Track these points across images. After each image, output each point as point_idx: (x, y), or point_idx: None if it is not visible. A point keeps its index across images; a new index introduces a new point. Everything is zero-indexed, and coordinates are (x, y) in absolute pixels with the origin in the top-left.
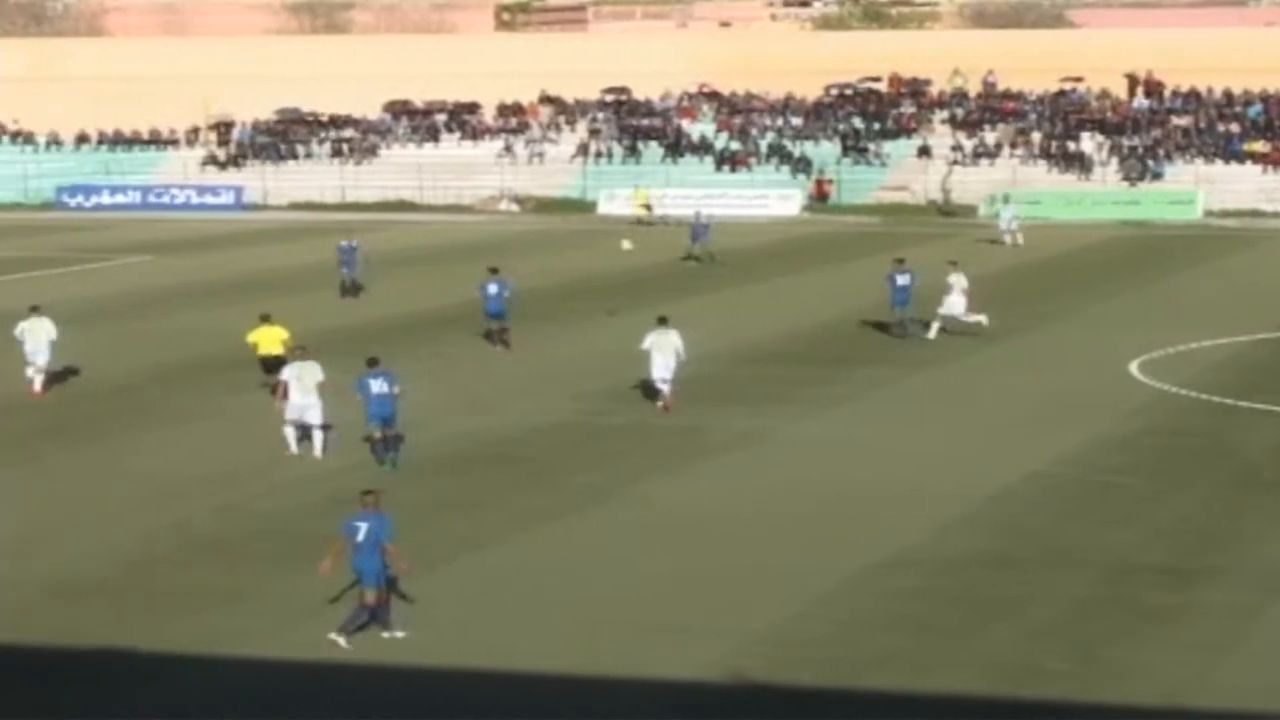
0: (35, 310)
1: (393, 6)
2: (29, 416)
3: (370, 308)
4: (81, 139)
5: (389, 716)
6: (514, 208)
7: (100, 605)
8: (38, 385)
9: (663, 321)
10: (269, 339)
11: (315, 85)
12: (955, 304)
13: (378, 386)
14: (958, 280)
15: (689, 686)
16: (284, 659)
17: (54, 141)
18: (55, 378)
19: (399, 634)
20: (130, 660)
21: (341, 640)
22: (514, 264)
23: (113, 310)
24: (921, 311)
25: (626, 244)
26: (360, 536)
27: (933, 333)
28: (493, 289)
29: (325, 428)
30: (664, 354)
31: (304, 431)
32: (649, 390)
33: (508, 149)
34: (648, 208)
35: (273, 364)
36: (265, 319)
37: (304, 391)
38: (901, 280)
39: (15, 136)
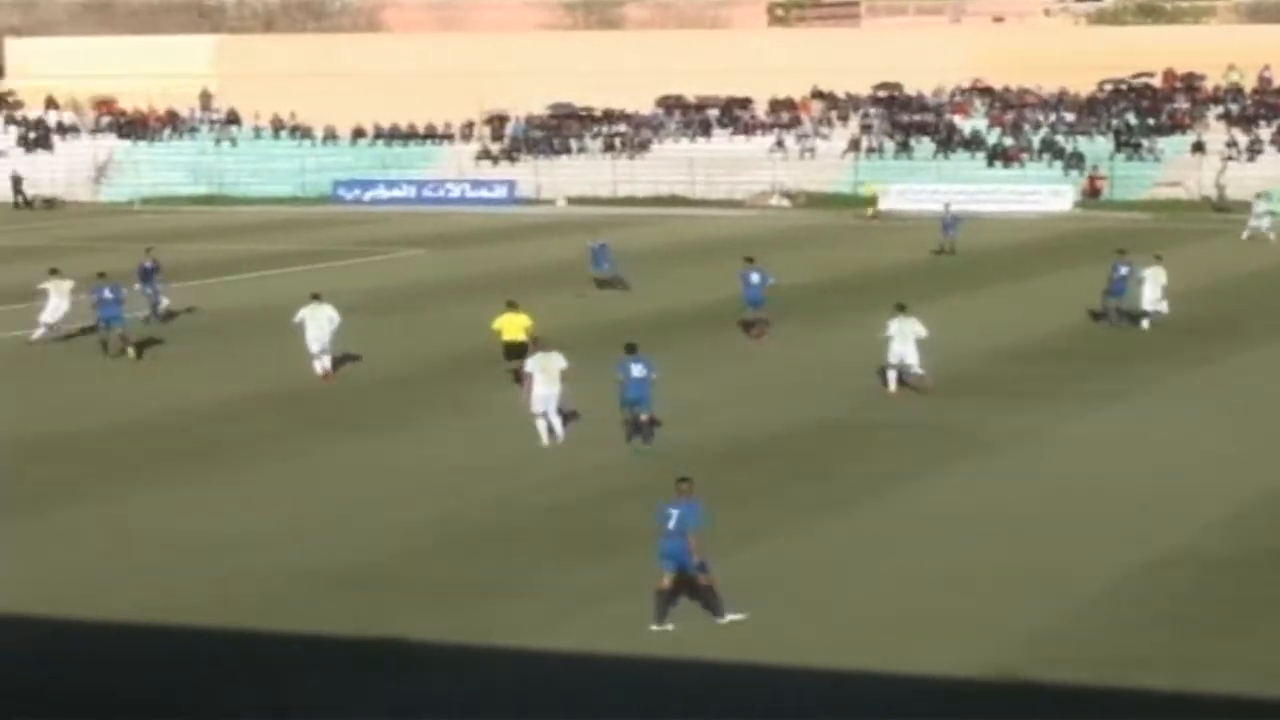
0: (316, 298)
1: (667, 3)
2: (304, 408)
3: (640, 301)
4: (358, 134)
5: (658, 710)
6: (785, 203)
7: (371, 596)
8: (320, 369)
9: (901, 308)
10: (513, 326)
11: (588, 80)
12: (1147, 296)
13: (636, 370)
14: (1154, 274)
15: (956, 683)
16: (554, 650)
17: (331, 136)
18: (347, 373)
19: (737, 616)
20: (400, 651)
21: (669, 626)
22: (783, 259)
23: (386, 303)
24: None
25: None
26: (671, 524)
27: (1145, 324)
28: (754, 278)
29: (566, 415)
30: (904, 340)
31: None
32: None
33: (779, 144)
34: (874, 202)
35: (515, 350)
36: (511, 305)
37: (549, 382)
38: (1123, 270)
39: (293, 131)
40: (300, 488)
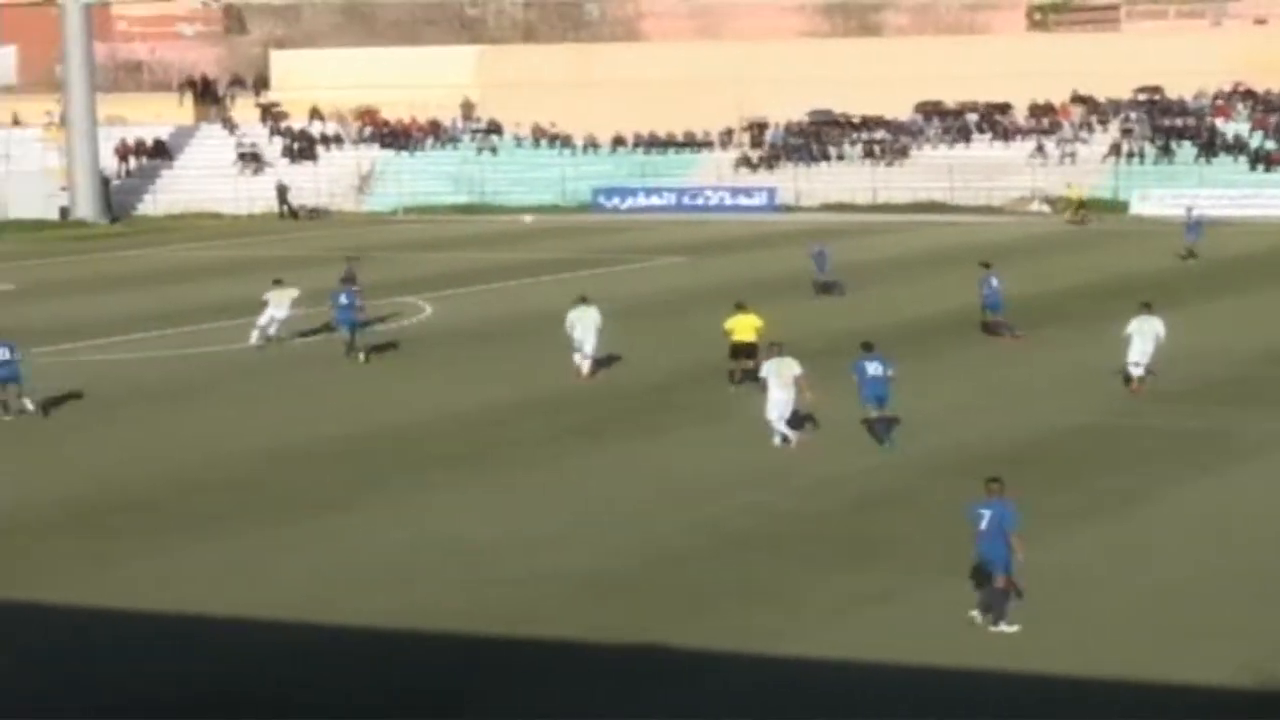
0: (584, 300)
1: (926, 7)
2: (566, 413)
3: (895, 307)
4: (618, 142)
5: (920, 716)
6: (1045, 208)
7: (631, 601)
8: (585, 370)
9: (1146, 307)
10: (743, 326)
11: (847, 86)
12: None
13: (873, 369)
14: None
15: (1219, 691)
16: (811, 657)
17: (591, 145)
18: (598, 376)
19: (1008, 629)
20: (661, 656)
21: (1006, 627)
22: (1039, 264)
23: (649, 310)
24: None
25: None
26: (983, 524)
27: None
28: (994, 282)
29: (799, 418)
30: (1144, 339)
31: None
32: (1172, 392)
33: (1039, 149)
34: (1081, 206)
35: (744, 350)
36: (740, 307)
37: (782, 386)
38: None
39: (554, 140)
40: (562, 493)
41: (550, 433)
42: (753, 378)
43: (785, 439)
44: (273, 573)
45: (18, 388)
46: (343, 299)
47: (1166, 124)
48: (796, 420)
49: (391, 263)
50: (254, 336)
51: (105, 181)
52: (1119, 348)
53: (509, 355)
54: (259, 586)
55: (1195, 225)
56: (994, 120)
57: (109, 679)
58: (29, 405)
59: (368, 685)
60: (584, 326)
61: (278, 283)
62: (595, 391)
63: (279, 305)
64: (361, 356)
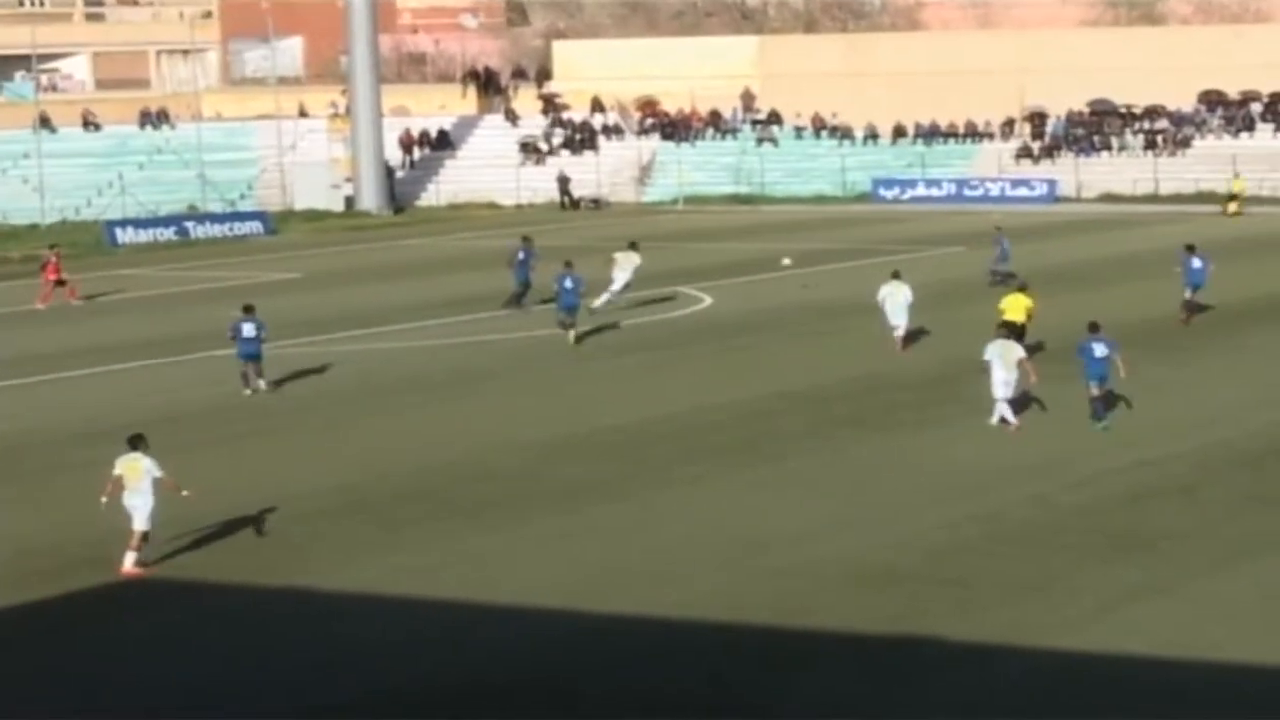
0: (896, 276)
1: None
2: (837, 404)
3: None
4: (898, 132)
5: (1182, 711)
6: None
7: (902, 593)
8: (899, 344)
9: None
10: (1014, 306)
11: (1128, 76)
12: None
13: (1099, 350)
14: None
15: None
16: (1087, 651)
17: (871, 135)
18: (857, 370)
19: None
20: (933, 649)
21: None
22: None
23: (927, 300)
24: None
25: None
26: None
27: None
28: (1196, 263)
29: (1015, 400)
30: None
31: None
32: None
33: None
34: (1234, 198)
35: (1010, 329)
36: (1021, 288)
37: (1006, 368)
38: None
39: (833, 131)
40: (833, 484)
41: (822, 424)
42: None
43: (1004, 420)
44: (550, 562)
45: (258, 365)
46: (568, 283)
47: None
48: (1021, 403)
49: (671, 252)
50: (601, 299)
51: (389, 172)
52: None
53: (782, 345)
54: (536, 576)
55: None
56: (1278, 110)
57: (388, 665)
58: (263, 385)
59: (643, 675)
60: (894, 302)
61: (632, 246)
62: (866, 382)
63: (623, 269)
64: (571, 336)
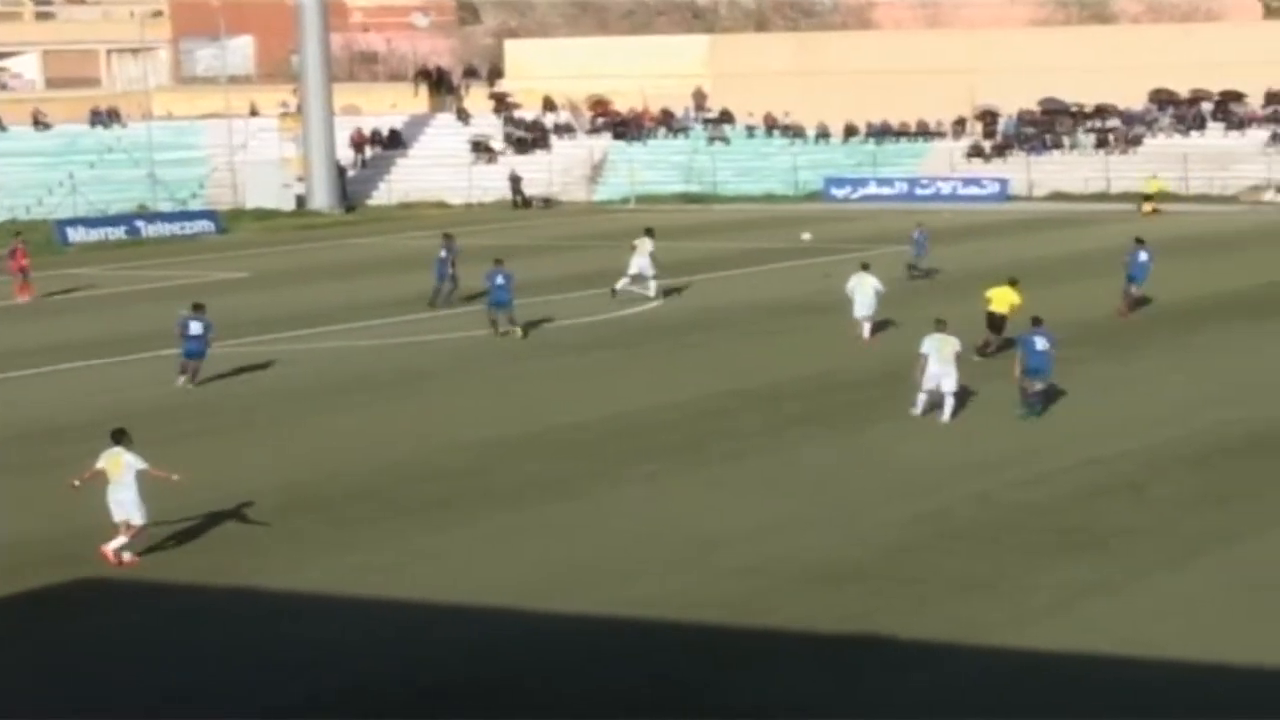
0: (864, 268)
1: None
2: (789, 403)
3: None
4: (850, 131)
5: (1133, 709)
6: (1279, 198)
7: (855, 591)
8: (866, 333)
9: None
10: (1001, 298)
11: (1079, 75)
12: None
13: (1040, 344)
14: None
15: None
16: (1039, 649)
17: (823, 134)
18: (810, 368)
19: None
20: (886, 647)
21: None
22: (1272, 255)
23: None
24: None
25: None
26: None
27: None
28: (1143, 256)
29: (956, 394)
30: None
31: (938, 399)
32: None
33: (1274, 138)
34: (1149, 198)
35: (995, 321)
36: (1012, 282)
37: (942, 361)
38: None
39: (785, 129)
40: (785, 483)
41: (774, 422)
42: (1001, 348)
43: (939, 409)
44: (503, 561)
45: (198, 364)
46: (500, 279)
47: None
48: (963, 399)
49: (622, 251)
50: (621, 283)
51: (341, 171)
52: None
53: (734, 344)
54: (489, 575)
55: None
56: (1228, 109)
57: (335, 667)
58: (185, 382)
59: (596, 675)
60: (863, 294)
61: (648, 232)
62: (819, 380)
63: (641, 254)
64: (518, 331)
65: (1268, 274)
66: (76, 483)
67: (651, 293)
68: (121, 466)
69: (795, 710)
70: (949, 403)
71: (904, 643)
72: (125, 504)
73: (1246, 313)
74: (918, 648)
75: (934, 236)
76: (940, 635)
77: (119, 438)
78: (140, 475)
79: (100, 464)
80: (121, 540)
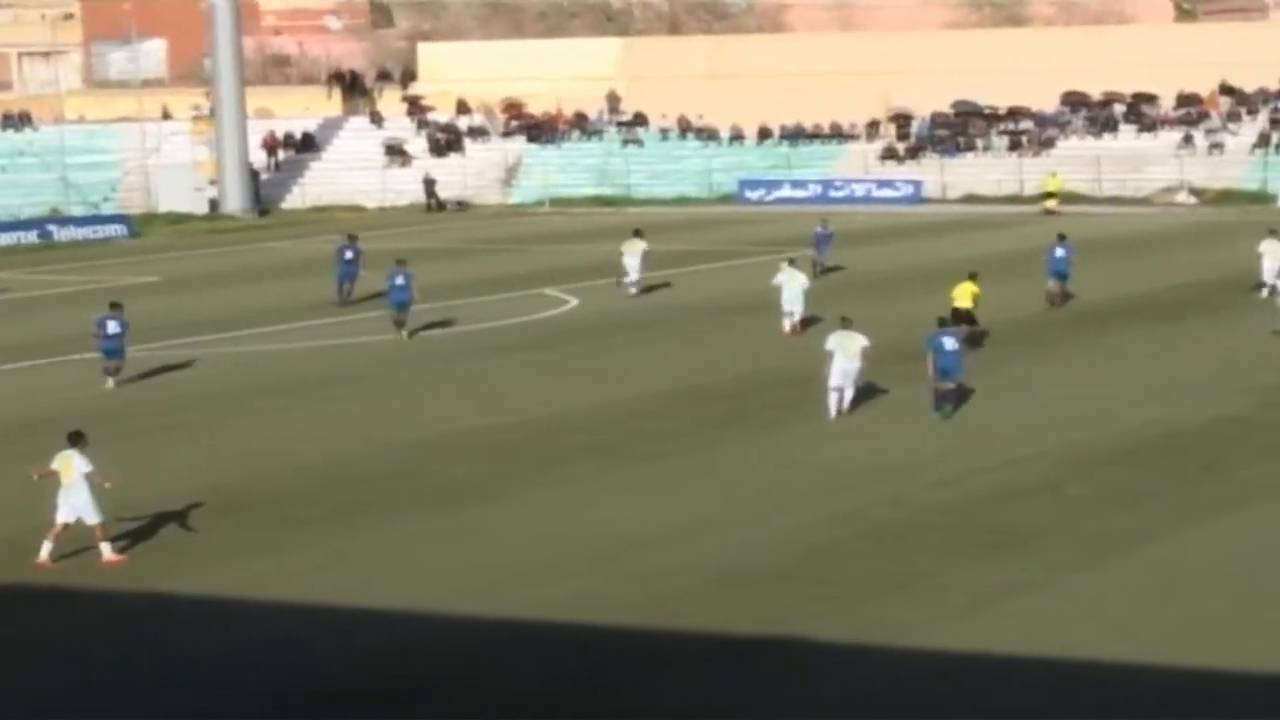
0: (791, 263)
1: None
2: (709, 405)
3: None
4: (764, 134)
5: (1048, 711)
6: (1191, 200)
7: (771, 593)
8: (787, 327)
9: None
10: (963, 293)
11: (992, 77)
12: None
13: (949, 344)
14: (1270, 248)
15: None
16: (956, 651)
17: (737, 137)
18: (726, 370)
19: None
20: (802, 649)
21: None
22: (1185, 256)
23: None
24: None
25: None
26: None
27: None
28: (1060, 252)
29: (859, 390)
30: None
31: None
32: None
33: (1187, 140)
34: (1050, 195)
35: (961, 316)
36: (972, 276)
37: (847, 358)
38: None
39: (699, 132)
40: (705, 484)
41: (694, 424)
42: (975, 344)
43: (840, 409)
44: (425, 564)
45: (119, 363)
46: (399, 279)
47: None
48: (863, 395)
49: (536, 254)
50: (620, 283)
51: (254, 174)
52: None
53: (650, 346)
54: (408, 578)
55: None
56: (1140, 111)
57: (260, 670)
58: (111, 384)
59: (512, 677)
60: (791, 289)
61: (637, 233)
62: (736, 382)
63: (632, 254)
64: (404, 334)
65: (1180, 276)
66: (36, 476)
67: (633, 291)
68: (72, 468)
69: (709, 712)
70: (848, 394)
71: (819, 644)
72: (78, 506)
73: (1160, 314)
74: (833, 650)
75: (842, 236)
76: (856, 637)
77: (75, 440)
78: (89, 478)
79: (54, 465)
80: (107, 546)
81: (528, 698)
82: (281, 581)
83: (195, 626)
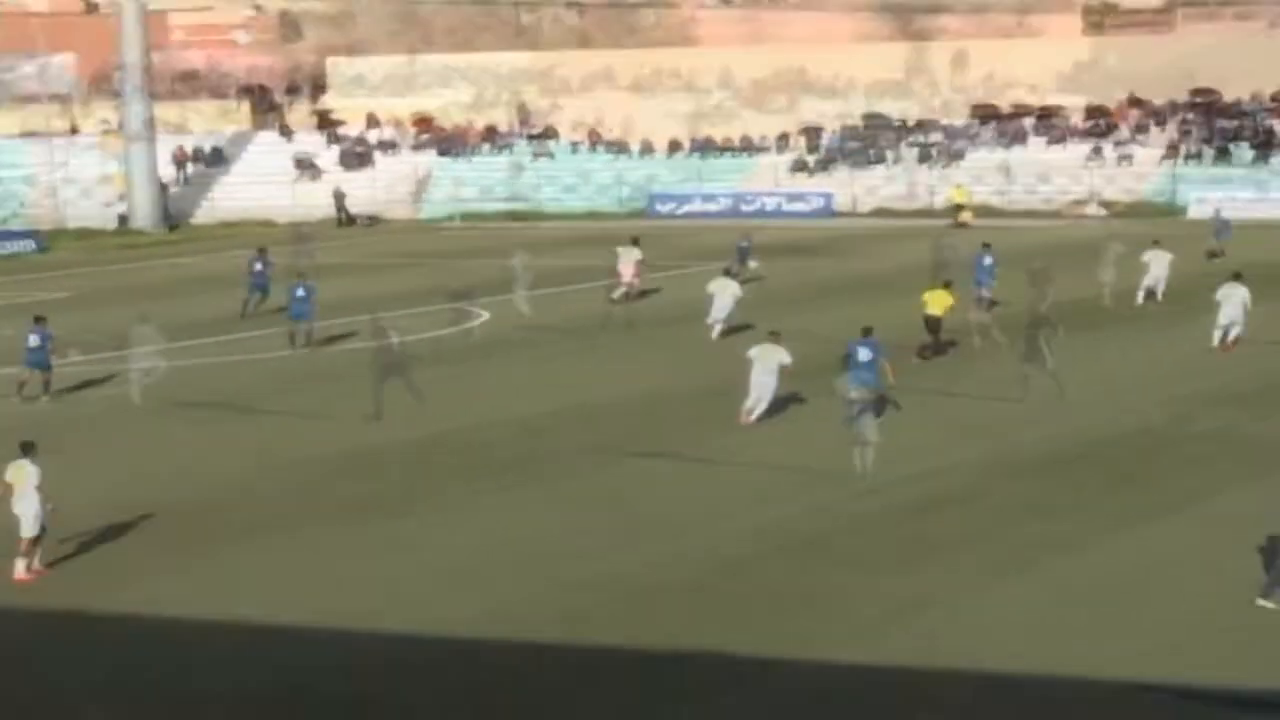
0: (727, 273)
1: (980, 10)
2: (623, 419)
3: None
4: (673, 146)
5: None
6: (1101, 211)
7: (689, 606)
8: (715, 334)
9: (1237, 277)
10: (936, 300)
11: (901, 89)
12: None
13: (863, 354)
14: (1153, 257)
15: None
16: (872, 664)
17: (647, 150)
18: (641, 384)
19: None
20: (718, 662)
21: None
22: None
23: (696, 316)
24: None
25: None
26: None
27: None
28: (987, 260)
29: (772, 402)
30: (1232, 305)
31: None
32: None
33: (1096, 152)
34: (961, 208)
35: (931, 324)
36: (946, 285)
37: (765, 371)
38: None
39: (609, 145)
40: (620, 498)
41: (608, 438)
42: (939, 352)
43: (749, 418)
44: (331, 581)
45: (46, 375)
46: (300, 292)
47: (1223, 126)
48: (778, 406)
49: (447, 269)
50: (616, 293)
51: (163, 189)
52: (1181, 351)
53: (562, 361)
54: (312, 596)
55: (1223, 226)
56: (1049, 123)
57: (168, 688)
58: (45, 398)
59: (420, 693)
60: (722, 300)
61: (634, 241)
62: (651, 396)
63: (626, 262)
64: (302, 347)
65: (1093, 287)
66: None
67: (615, 295)
68: (24, 479)
69: None
70: (762, 405)
71: (732, 657)
72: (26, 516)
73: (1073, 325)
74: (746, 662)
75: (758, 249)
76: (770, 650)
77: (27, 450)
78: (39, 490)
79: (7, 476)
80: (23, 561)
81: (428, 715)
82: (187, 600)
83: (105, 646)
